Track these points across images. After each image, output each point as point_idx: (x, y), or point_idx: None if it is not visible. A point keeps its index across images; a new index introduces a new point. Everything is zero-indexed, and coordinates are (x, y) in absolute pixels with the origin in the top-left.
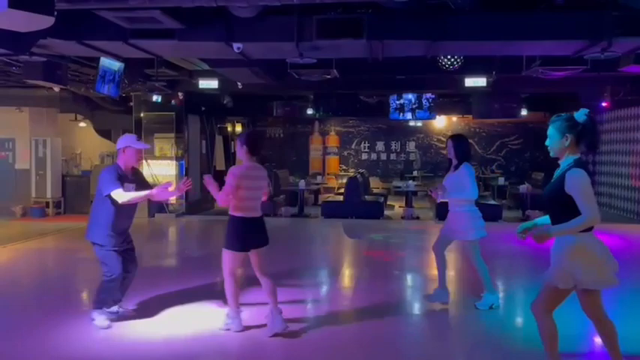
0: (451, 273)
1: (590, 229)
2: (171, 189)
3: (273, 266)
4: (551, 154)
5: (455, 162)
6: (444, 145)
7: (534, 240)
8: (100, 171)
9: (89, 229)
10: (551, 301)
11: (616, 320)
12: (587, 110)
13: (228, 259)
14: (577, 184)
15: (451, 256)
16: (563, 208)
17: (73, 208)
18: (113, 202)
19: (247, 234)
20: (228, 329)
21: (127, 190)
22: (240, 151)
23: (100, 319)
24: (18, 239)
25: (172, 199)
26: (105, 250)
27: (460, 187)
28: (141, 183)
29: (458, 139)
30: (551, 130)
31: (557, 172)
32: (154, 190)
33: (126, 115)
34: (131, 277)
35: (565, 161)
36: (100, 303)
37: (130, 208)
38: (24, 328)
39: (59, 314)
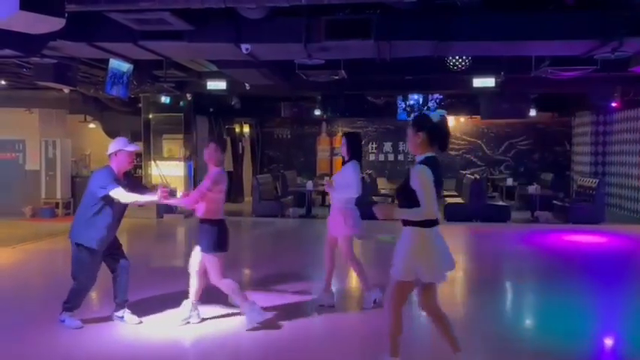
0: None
1: (432, 223)
2: (178, 195)
3: (283, 267)
4: (410, 150)
5: (346, 158)
6: (451, 146)
7: (377, 212)
8: (92, 173)
9: (75, 230)
10: (399, 295)
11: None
12: (444, 112)
13: (215, 263)
14: (418, 180)
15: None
16: (408, 202)
17: None
18: (108, 203)
19: (226, 234)
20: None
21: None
22: (214, 155)
23: (70, 320)
24: (28, 240)
25: None
26: (88, 254)
27: (344, 183)
28: (133, 187)
29: (351, 136)
30: (409, 128)
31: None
32: (155, 197)
33: (135, 116)
34: (125, 276)
35: (418, 158)
36: (70, 308)
37: (122, 210)
38: (34, 328)
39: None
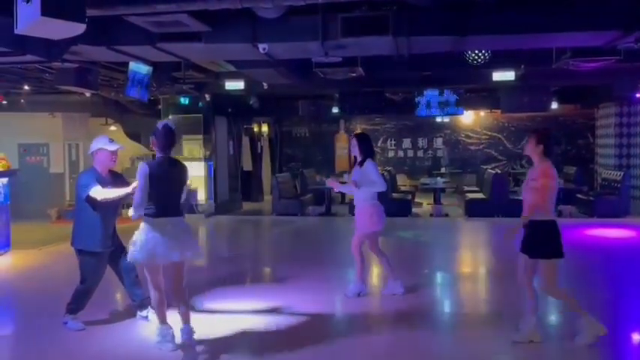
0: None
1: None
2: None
3: (305, 264)
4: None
5: (360, 158)
6: (472, 141)
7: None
8: (80, 175)
9: (75, 237)
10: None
11: None
12: (167, 121)
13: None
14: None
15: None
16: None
17: None
18: (94, 205)
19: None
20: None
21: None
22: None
23: (73, 323)
24: (53, 242)
25: (202, 200)
26: (89, 257)
27: (367, 181)
28: (120, 183)
29: (361, 137)
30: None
31: None
32: (129, 189)
33: (154, 117)
34: (131, 278)
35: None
36: (74, 311)
37: (112, 209)
38: (57, 329)
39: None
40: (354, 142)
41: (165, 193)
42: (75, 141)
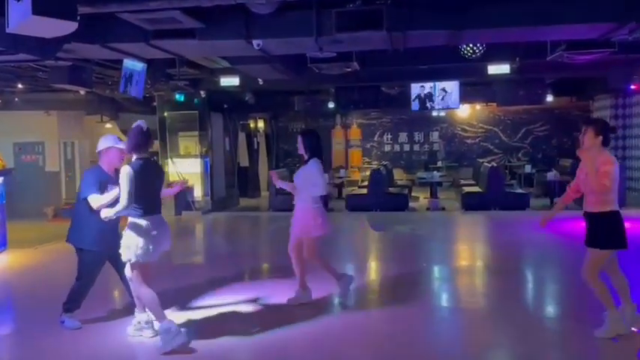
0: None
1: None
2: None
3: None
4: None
5: (306, 157)
6: (468, 135)
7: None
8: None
9: (72, 233)
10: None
11: None
12: (143, 121)
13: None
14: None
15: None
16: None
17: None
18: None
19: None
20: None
21: (111, 191)
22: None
23: (69, 321)
24: (50, 240)
25: (198, 197)
26: (87, 256)
27: (310, 182)
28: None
29: (307, 134)
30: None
31: None
32: (116, 191)
33: (150, 115)
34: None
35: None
36: (70, 309)
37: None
38: (54, 327)
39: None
40: (299, 139)
41: (150, 193)
42: (70, 139)
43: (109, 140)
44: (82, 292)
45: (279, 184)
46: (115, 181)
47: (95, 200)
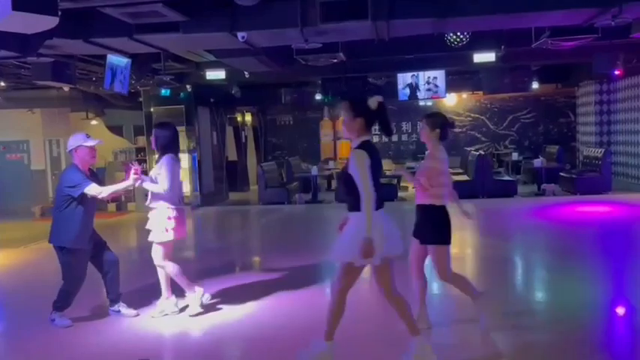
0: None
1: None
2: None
3: (293, 253)
4: (344, 135)
5: (159, 153)
6: (455, 123)
7: (364, 256)
8: (60, 175)
9: (55, 234)
10: (346, 279)
11: None
12: (381, 97)
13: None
14: (356, 163)
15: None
16: (347, 188)
17: None
18: (78, 201)
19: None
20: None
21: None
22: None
23: (60, 320)
24: (38, 239)
25: (187, 192)
26: (72, 255)
27: (157, 180)
28: (98, 183)
29: (159, 127)
30: (344, 112)
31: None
32: (129, 182)
33: (136, 110)
34: (115, 270)
35: (354, 142)
36: (61, 308)
37: (94, 206)
38: (43, 326)
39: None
40: (153, 132)
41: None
42: (56, 137)
43: (77, 139)
44: (70, 293)
45: (140, 181)
46: (90, 180)
47: (98, 190)
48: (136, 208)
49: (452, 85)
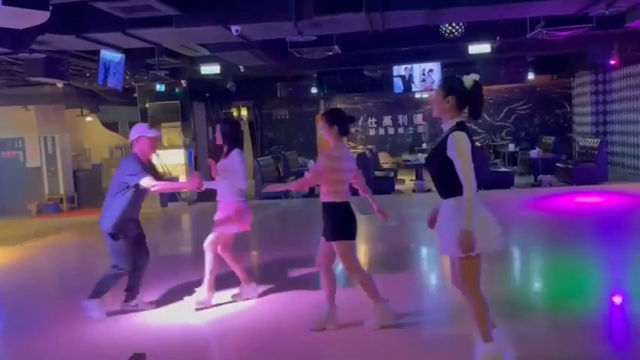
0: None
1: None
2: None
3: (290, 247)
4: (433, 114)
5: (225, 148)
6: None
7: (464, 251)
8: (120, 162)
9: (103, 218)
10: (474, 272)
11: None
12: (478, 76)
13: None
14: (456, 148)
15: None
16: (446, 174)
17: (88, 202)
18: (134, 190)
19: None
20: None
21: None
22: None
23: (94, 309)
24: (35, 237)
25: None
26: (117, 240)
27: (231, 174)
28: (155, 175)
29: (226, 123)
30: (436, 90)
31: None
32: (189, 187)
33: (131, 106)
34: (144, 267)
35: (446, 124)
36: (99, 293)
37: (143, 197)
38: (41, 324)
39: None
40: (218, 128)
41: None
42: (51, 134)
43: (139, 130)
44: (116, 277)
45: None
46: (149, 170)
47: (152, 184)
48: None
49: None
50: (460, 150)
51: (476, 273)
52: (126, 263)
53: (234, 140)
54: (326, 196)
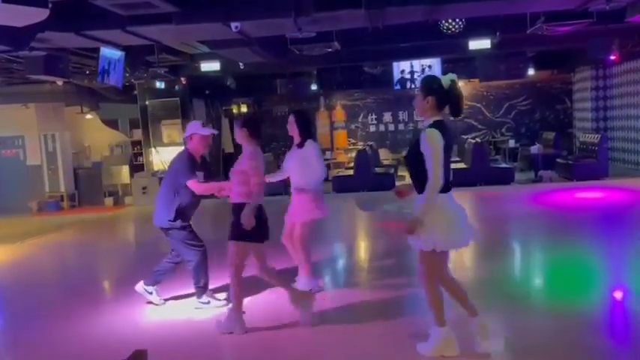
0: None
1: (444, 189)
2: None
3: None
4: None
5: (298, 139)
6: None
7: (407, 232)
8: (173, 158)
9: (157, 215)
10: (433, 266)
11: None
12: (455, 76)
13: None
14: (427, 142)
15: None
16: (419, 169)
17: (88, 199)
18: (185, 188)
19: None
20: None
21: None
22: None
23: (209, 303)
24: (36, 234)
25: None
26: (177, 233)
27: (307, 165)
28: (208, 171)
29: (300, 114)
30: (417, 91)
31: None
32: (224, 190)
33: (131, 104)
34: (205, 262)
35: (427, 122)
36: (202, 288)
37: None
38: (49, 319)
39: (87, 303)
40: (292, 119)
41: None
42: (51, 131)
43: (193, 127)
44: (200, 265)
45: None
46: (200, 168)
47: (196, 187)
48: (134, 201)
49: (447, 73)
50: (430, 144)
51: (434, 268)
52: (195, 250)
53: (307, 130)
54: (237, 197)
